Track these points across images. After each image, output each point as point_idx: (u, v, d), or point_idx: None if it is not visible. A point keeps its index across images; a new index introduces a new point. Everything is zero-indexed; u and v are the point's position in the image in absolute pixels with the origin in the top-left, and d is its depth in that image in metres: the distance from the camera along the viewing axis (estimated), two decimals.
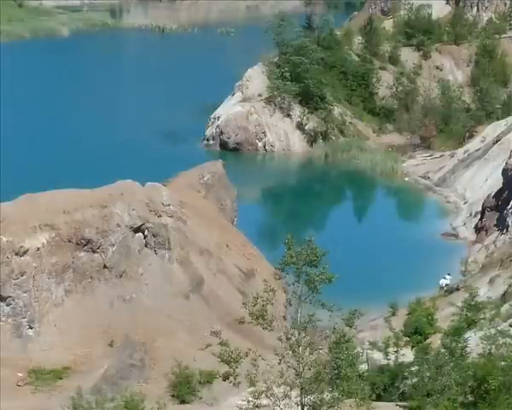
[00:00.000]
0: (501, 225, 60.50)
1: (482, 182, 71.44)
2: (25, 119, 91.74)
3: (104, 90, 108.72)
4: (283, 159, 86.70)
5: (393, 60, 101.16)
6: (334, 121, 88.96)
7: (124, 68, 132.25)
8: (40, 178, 58.82)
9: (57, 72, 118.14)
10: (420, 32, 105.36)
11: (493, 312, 41.82)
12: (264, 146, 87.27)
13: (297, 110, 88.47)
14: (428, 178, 77.73)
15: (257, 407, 24.75)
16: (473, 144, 79.19)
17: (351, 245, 59.13)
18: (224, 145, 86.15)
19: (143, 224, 40.80)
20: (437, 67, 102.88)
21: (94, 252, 38.93)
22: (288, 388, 24.66)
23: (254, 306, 24.84)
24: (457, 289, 51.41)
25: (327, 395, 24.61)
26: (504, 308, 43.34)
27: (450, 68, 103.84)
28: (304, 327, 24.86)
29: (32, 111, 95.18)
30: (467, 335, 34.43)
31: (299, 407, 25.20)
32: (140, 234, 40.78)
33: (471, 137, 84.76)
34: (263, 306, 24.63)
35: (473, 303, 41.09)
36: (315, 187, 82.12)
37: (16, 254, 36.53)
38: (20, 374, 34.85)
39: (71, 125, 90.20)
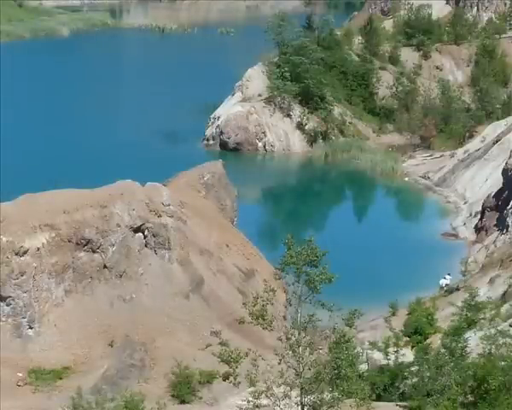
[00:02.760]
0: (501, 225, 60.33)
1: (482, 182, 71.34)
2: (25, 119, 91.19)
3: (104, 90, 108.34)
4: (283, 159, 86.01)
5: (393, 60, 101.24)
6: (334, 121, 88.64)
7: (124, 68, 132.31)
8: (40, 178, 58.56)
9: (57, 72, 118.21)
10: (420, 32, 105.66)
11: (493, 312, 41.52)
12: (264, 146, 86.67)
13: (297, 110, 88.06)
14: (428, 178, 77.67)
15: (257, 406, 24.68)
16: (473, 144, 79.14)
17: (351, 245, 58.82)
18: (224, 145, 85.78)
19: (143, 224, 40.60)
20: (437, 67, 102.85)
21: (94, 252, 38.74)
22: (288, 388, 24.54)
23: (254, 306, 24.76)
24: (457, 289, 51.21)
25: (327, 395, 24.50)
26: (504, 308, 43.21)
27: (450, 68, 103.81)
28: (304, 327, 24.78)
29: (31, 111, 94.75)
30: (467, 335, 34.28)
31: (299, 407, 25.07)
32: (140, 234, 40.58)
33: (471, 137, 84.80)
34: (263, 306, 24.54)
35: (473, 303, 40.91)
36: (315, 187, 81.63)
37: (16, 254, 36.42)
38: (20, 374, 34.72)
39: (71, 125, 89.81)
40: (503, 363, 29.09)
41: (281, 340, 25.17)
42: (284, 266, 24.78)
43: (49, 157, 76.84)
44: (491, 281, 49.78)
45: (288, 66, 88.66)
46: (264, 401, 24.78)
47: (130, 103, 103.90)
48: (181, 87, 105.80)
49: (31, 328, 36.58)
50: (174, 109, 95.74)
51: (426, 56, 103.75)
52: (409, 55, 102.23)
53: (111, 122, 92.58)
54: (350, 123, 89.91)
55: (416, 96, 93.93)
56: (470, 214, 67.52)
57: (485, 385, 28.15)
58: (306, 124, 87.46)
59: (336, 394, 24.44)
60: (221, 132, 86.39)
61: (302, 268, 24.43)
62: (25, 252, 36.60)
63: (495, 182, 67.05)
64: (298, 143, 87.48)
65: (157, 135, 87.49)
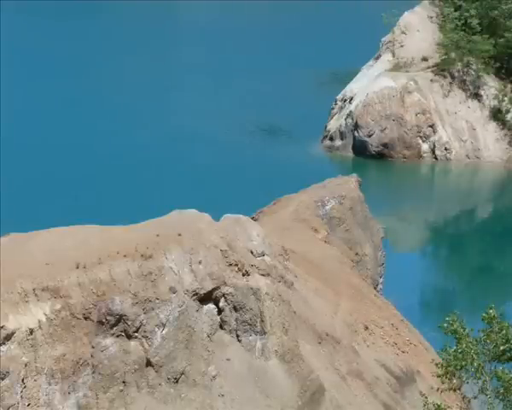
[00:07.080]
0: None
1: None
2: (29, 108, 74.67)
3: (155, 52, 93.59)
4: (467, 173, 72.06)
5: None
6: None
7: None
8: (46, 203, 50.28)
9: (81, 42, 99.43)
10: None
11: None
12: (433, 150, 70.76)
13: (491, 86, 72.84)
14: None
15: None
16: None
17: None
18: (360, 148, 69.99)
19: (217, 288, 29.28)
20: None
21: (130, 338, 26.87)
22: None
23: None
24: None
25: None
26: None
27: None
28: None
29: (41, 96, 78.10)
30: None
31: None
32: (211, 306, 29.16)
33: None
34: None
35: None
36: None
37: None
38: None
39: (95, 115, 71.95)
40: None
41: None
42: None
43: (57, 170, 60.03)
44: None
45: (475, 6, 72.10)
46: None
47: (196, 78, 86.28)
48: (287, 50, 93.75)
49: None
50: (274, 85, 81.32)
51: None
52: None
53: (163, 108, 73.72)
54: None
55: None
56: None
57: None
58: (509, 111, 71.56)
59: None
60: (356, 125, 70.71)
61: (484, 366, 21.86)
62: (8, 337, 24.90)
63: None
64: (494, 144, 71.96)
65: (245, 130, 71.06)
